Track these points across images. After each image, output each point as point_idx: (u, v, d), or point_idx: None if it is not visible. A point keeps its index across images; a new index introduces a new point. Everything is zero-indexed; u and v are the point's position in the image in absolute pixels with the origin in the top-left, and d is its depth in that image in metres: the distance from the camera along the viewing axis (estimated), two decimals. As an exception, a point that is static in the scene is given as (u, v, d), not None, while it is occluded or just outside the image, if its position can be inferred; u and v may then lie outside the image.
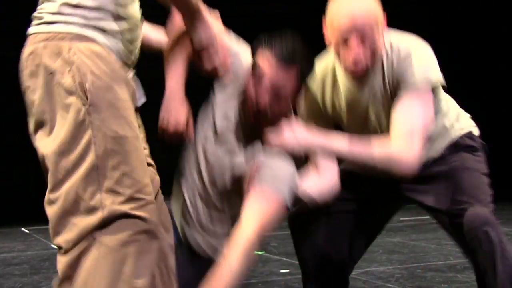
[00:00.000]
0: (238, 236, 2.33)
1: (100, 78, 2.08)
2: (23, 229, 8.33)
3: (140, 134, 2.22)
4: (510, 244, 2.54)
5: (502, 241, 2.50)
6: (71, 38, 2.11)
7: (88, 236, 2.04)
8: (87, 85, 2.06)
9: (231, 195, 2.55)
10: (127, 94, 2.16)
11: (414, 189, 2.71)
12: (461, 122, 2.85)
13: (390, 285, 4.39)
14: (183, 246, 2.59)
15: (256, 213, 2.34)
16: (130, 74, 2.30)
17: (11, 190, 10.01)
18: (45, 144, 2.29)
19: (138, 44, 2.32)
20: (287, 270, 5.01)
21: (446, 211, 2.63)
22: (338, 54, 2.64)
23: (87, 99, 2.06)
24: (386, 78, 2.63)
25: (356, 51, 2.54)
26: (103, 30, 2.15)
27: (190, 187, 2.60)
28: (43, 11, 2.18)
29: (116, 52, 2.19)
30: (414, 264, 5.06)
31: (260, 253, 5.84)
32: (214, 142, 2.56)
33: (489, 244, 2.49)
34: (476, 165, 2.74)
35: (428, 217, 8.06)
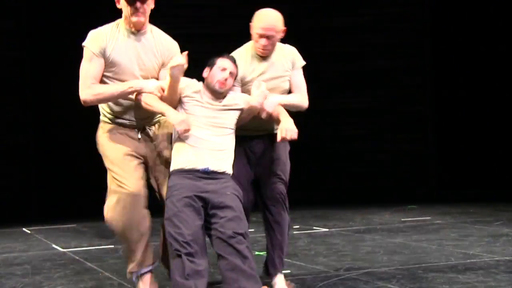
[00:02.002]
0: None
1: None
2: (24, 229, 8.33)
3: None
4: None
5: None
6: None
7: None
8: None
9: None
10: None
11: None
12: None
13: (391, 286, 4.39)
14: None
15: None
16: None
17: (12, 190, 10.01)
18: None
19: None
20: (288, 271, 5.01)
21: None
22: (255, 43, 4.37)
23: None
24: (282, 58, 4.44)
25: (264, 43, 4.31)
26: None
27: None
28: None
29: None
30: (416, 265, 5.06)
31: (261, 253, 5.84)
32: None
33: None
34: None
35: (429, 217, 8.09)
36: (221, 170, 4.05)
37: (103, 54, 4.08)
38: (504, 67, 10.55)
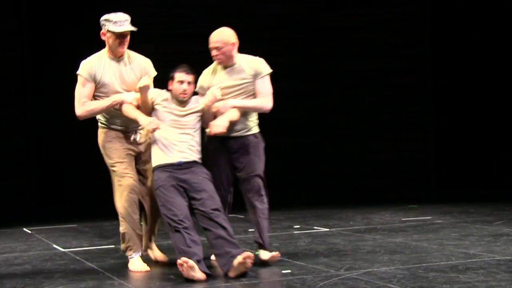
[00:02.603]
0: None
1: None
2: (25, 229, 8.33)
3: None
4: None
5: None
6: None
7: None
8: None
9: None
10: None
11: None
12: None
13: (392, 286, 4.39)
14: None
15: None
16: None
17: (13, 190, 10.01)
18: None
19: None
20: (289, 271, 5.01)
21: None
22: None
23: None
24: (246, 67, 5.27)
25: (213, 54, 5.27)
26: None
27: None
28: None
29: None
30: (416, 265, 5.06)
31: (262, 253, 5.85)
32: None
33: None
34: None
35: (430, 217, 8.08)
36: (191, 160, 5.12)
37: (94, 79, 5.26)
38: (504, 67, 10.55)
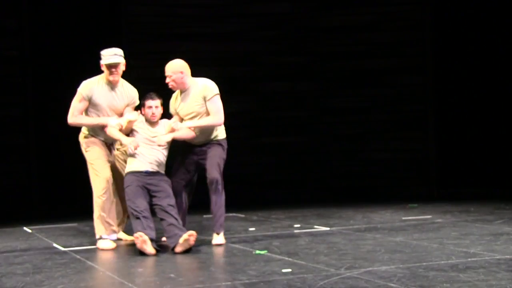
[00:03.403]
0: None
1: None
2: (25, 228, 8.33)
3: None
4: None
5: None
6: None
7: None
8: None
9: None
10: None
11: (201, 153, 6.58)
12: None
13: (392, 285, 4.40)
14: None
15: None
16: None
17: (13, 189, 10.01)
18: None
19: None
20: (289, 270, 5.01)
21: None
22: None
23: None
24: (196, 92, 6.46)
25: (167, 81, 6.46)
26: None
27: None
28: None
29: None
30: (416, 264, 5.06)
31: (262, 252, 5.85)
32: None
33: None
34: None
35: (430, 216, 8.09)
36: (155, 170, 6.44)
37: (89, 99, 6.50)
38: (505, 66, 10.55)
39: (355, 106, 11.00)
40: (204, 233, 7.03)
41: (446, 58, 10.82)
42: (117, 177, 6.65)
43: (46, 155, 10.17)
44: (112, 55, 6.47)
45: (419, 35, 10.91)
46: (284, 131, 10.90)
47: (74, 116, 6.53)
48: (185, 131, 6.44)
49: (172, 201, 6.33)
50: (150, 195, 6.35)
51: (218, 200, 6.42)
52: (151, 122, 6.48)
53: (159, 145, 6.40)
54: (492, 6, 10.60)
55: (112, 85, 6.52)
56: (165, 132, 6.48)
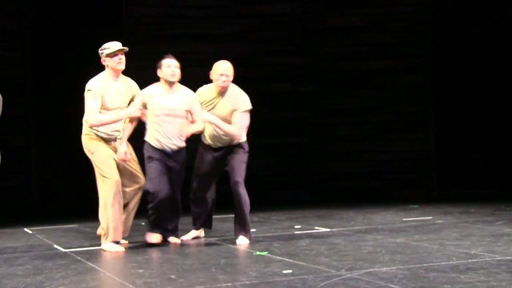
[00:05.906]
0: None
1: None
2: (26, 229, 8.34)
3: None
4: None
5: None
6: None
7: None
8: None
9: None
10: None
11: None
12: None
13: (393, 286, 4.39)
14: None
15: None
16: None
17: (14, 190, 10.01)
18: None
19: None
20: (290, 271, 5.01)
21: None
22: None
23: None
24: (230, 99, 6.50)
25: (223, 79, 6.44)
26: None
27: None
28: None
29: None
30: (417, 265, 5.06)
31: (263, 253, 5.85)
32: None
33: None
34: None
35: (431, 217, 8.08)
36: (181, 147, 6.47)
37: (102, 94, 6.35)
38: (504, 67, 10.55)
39: (355, 107, 11.01)
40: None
41: (446, 58, 10.82)
42: (121, 175, 6.45)
43: (47, 155, 10.17)
44: (116, 44, 6.46)
45: (420, 36, 10.91)
46: (285, 132, 10.90)
47: (96, 115, 6.35)
48: (201, 125, 6.47)
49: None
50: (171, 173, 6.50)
51: (243, 201, 6.48)
52: (170, 85, 6.37)
53: (180, 136, 6.38)
54: (492, 6, 10.61)
55: (115, 79, 6.48)
56: (181, 104, 6.39)
